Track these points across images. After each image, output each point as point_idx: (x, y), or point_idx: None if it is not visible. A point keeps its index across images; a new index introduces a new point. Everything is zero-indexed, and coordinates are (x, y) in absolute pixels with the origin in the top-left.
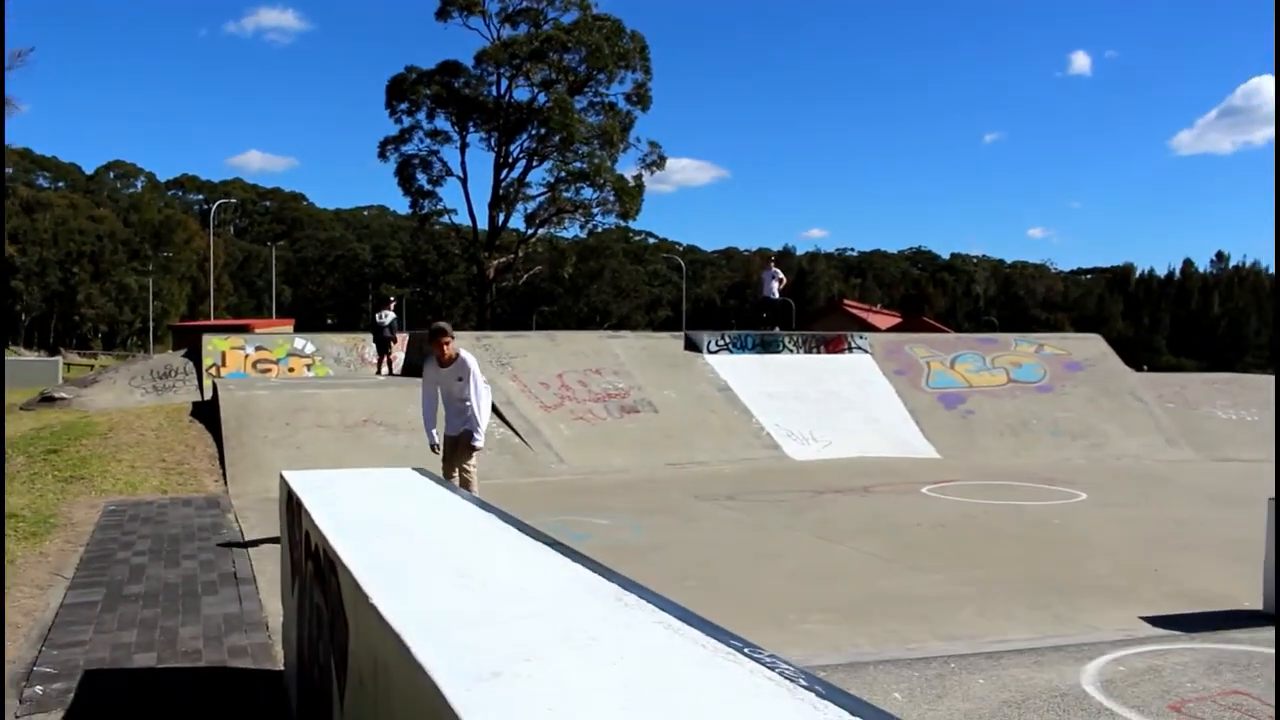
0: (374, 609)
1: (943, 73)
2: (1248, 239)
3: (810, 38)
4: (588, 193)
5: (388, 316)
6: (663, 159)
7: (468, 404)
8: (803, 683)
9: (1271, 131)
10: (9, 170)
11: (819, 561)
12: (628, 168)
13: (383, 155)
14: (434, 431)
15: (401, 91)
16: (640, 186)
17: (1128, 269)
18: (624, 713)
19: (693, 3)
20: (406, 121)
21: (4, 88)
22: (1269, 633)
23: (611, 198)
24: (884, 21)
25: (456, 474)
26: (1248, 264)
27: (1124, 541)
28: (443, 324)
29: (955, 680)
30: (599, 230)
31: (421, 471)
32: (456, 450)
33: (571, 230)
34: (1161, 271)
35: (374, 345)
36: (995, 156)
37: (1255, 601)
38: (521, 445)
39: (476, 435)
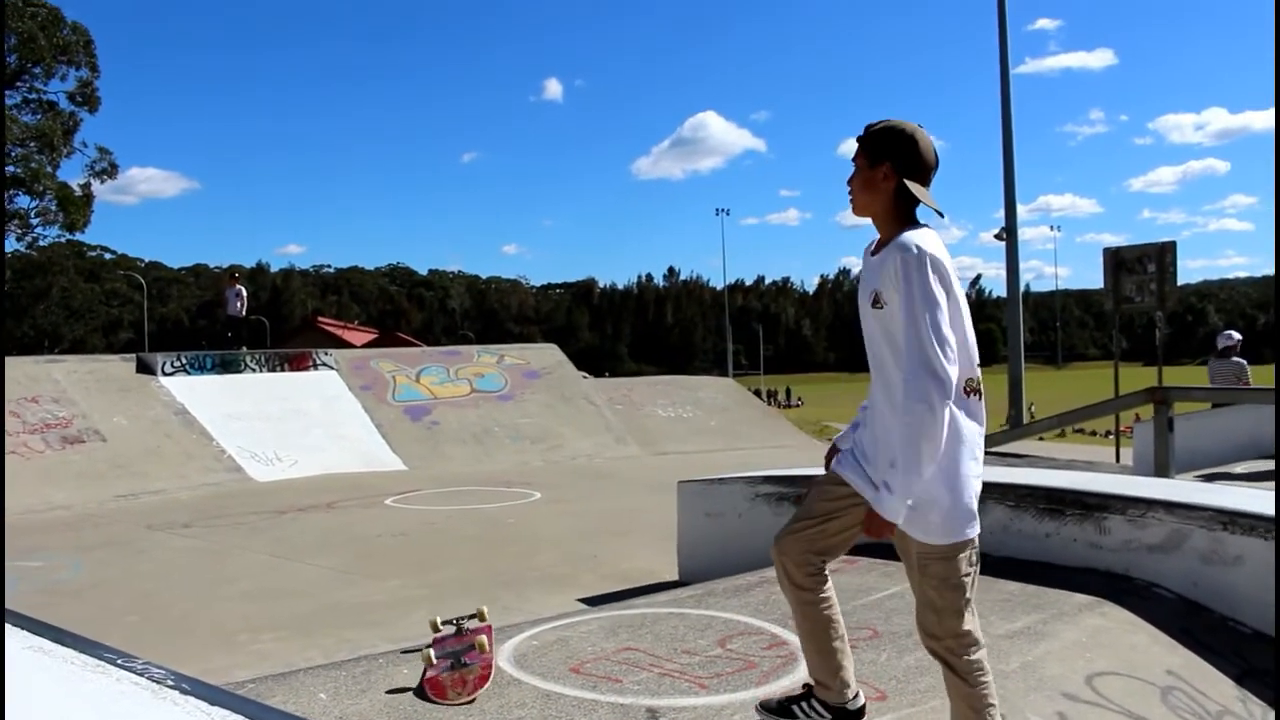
0: None
1: (423, 93)
2: (694, 255)
3: (288, 53)
4: (24, 201)
5: None
6: (114, 166)
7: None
8: (170, 684)
9: (716, 161)
10: None
11: (275, 581)
12: (73, 175)
13: None
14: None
15: None
16: (89, 196)
17: (590, 283)
18: None
19: (155, 7)
20: None
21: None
22: (662, 596)
23: (54, 207)
24: (361, 37)
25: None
26: (694, 279)
27: (570, 533)
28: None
29: (382, 674)
30: (43, 244)
31: None
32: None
33: (8, 243)
34: (622, 285)
35: None
36: (472, 176)
37: (674, 574)
38: None
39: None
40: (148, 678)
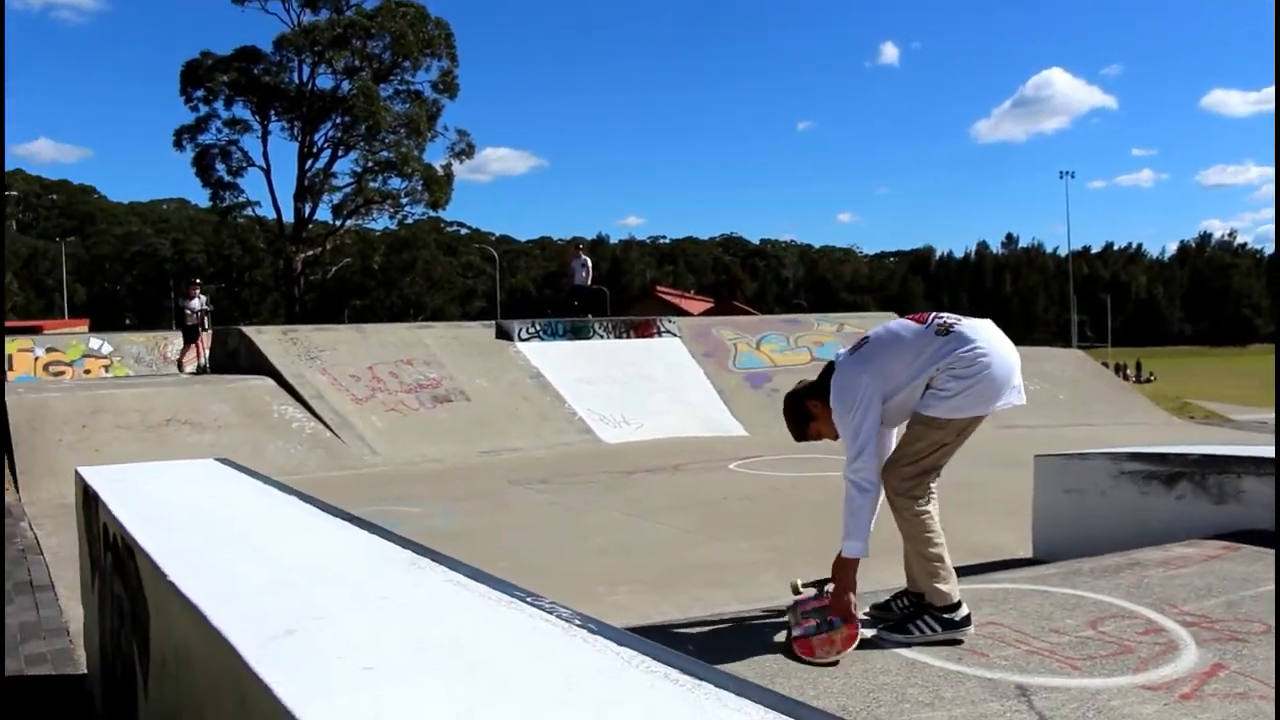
0: (173, 586)
1: (758, 62)
2: (1034, 221)
3: (628, 28)
4: (396, 182)
5: (195, 302)
6: (471, 147)
7: None
8: (577, 623)
9: (1061, 121)
10: None
11: (628, 537)
12: (436, 157)
13: (179, 145)
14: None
15: (197, 78)
16: (450, 176)
17: (928, 252)
18: (412, 654)
19: None
20: (203, 110)
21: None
22: (1025, 572)
23: (420, 187)
24: (701, 10)
25: None
26: (1034, 246)
27: None
28: None
29: (744, 631)
30: (410, 222)
31: (225, 461)
32: None
33: (381, 221)
34: (959, 254)
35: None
36: (807, 144)
37: (1026, 550)
38: (333, 439)
39: None
40: (557, 616)
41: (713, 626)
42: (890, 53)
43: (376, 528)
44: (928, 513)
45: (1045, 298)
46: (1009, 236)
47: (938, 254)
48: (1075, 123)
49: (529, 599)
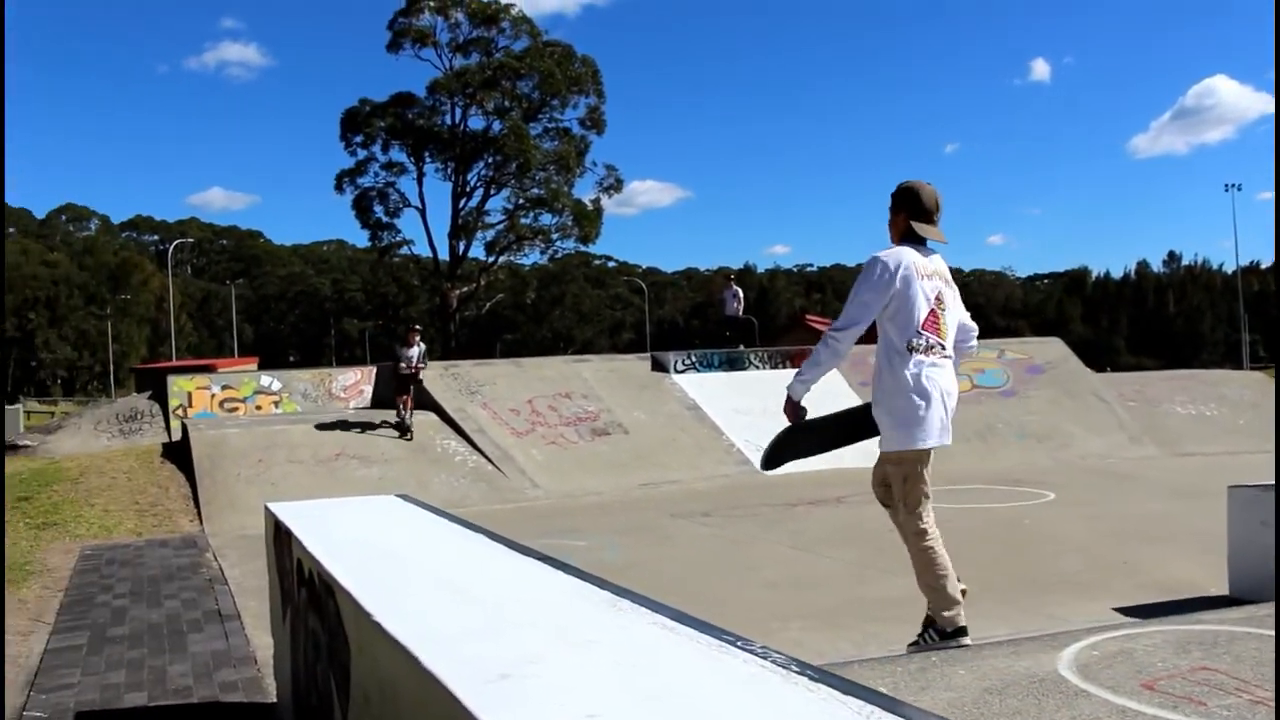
0: (378, 626)
1: (903, 86)
2: (1199, 238)
3: (771, 58)
4: (546, 218)
5: (413, 350)
6: (620, 182)
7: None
8: (795, 669)
9: (1226, 131)
10: None
11: (797, 571)
12: (585, 192)
13: (339, 188)
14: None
15: (356, 124)
16: (599, 210)
17: (1083, 272)
18: (633, 702)
19: (649, 29)
20: (362, 154)
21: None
22: (1234, 613)
23: (570, 222)
24: (843, 36)
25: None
26: (1199, 263)
27: (1093, 537)
28: None
29: (937, 672)
30: (559, 256)
31: (405, 498)
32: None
33: (532, 257)
34: (1117, 274)
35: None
36: (956, 166)
37: (1222, 587)
38: (495, 472)
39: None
40: (772, 662)
41: (907, 666)
42: (1041, 69)
43: (569, 566)
44: (931, 547)
45: (1212, 317)
46: (1171, 254)
47: (1094, 274)
48: (1241, 131)
49: (739, 643)
